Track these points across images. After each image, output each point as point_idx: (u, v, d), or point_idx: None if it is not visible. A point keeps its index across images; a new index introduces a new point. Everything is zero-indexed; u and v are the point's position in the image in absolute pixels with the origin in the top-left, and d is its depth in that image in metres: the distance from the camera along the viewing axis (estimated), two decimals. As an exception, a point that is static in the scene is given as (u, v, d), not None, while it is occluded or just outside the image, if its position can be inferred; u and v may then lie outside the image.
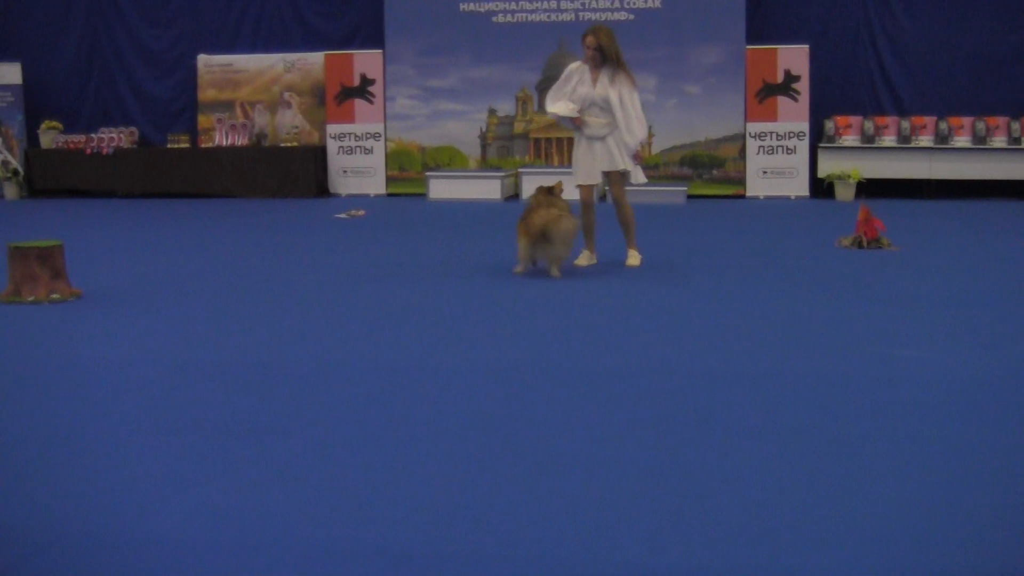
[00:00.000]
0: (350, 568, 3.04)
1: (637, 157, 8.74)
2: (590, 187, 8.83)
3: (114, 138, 16.74)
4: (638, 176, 8.78)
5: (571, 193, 8.88)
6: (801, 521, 3.31)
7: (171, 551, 3.15)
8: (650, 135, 15.74)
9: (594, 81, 8.59)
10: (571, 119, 8.62)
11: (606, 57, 8.54)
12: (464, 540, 3.20)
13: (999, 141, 14.77)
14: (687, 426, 4.32)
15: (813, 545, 3.13)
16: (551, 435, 4.22)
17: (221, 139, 16.75)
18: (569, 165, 15.66)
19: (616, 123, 8.57)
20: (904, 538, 3.17)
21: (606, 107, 8.56)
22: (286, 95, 16.89)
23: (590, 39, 8.55)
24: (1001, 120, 14.77)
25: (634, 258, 8.83)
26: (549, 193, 8.47)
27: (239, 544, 3.19)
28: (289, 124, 16.84)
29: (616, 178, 8.77)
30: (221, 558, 3.11)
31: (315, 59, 16.71)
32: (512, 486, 3.65)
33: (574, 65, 8.74)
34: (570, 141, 15.94)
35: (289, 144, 16.60)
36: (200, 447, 4.12)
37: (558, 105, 8.59)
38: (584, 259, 8.86)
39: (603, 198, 14.98)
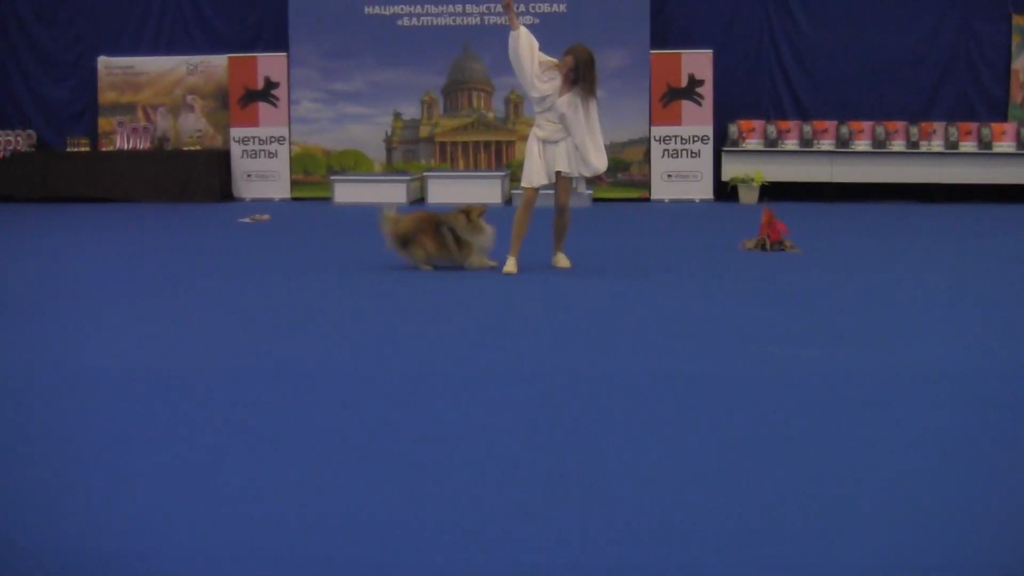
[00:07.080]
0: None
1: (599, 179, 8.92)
2: (536, 189, 8.55)
3: (10, 141, 16.34)
4: (582, 187, 8.76)
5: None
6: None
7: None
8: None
9: (562, 91, 8.38)
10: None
11: (578, 83, 8.33)
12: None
13: (898, 145, 15.07)
14: (590, 428, 4.32)
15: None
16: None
17: (122, 143, 16.42)
18: (475, 169, 15.87)
19: (568, 131, 8.40)
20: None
21: (560, 120, 8.39)
22: (189, 98, 16.63)
23: (569, 60, 8.32)
24: (900, 124, 15.07)
25: (565, 260, 8.80)
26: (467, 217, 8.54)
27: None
28: (192, 127, 16.59)
29: (564, 183, 8.63)
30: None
31: (218, 62, 16.47)
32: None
33: (551, 59, 8.47)
34: (476, 145, 16.02)
35: (192, 148, 16.34)
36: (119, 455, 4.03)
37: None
38: (512, 265, 8.48)
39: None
